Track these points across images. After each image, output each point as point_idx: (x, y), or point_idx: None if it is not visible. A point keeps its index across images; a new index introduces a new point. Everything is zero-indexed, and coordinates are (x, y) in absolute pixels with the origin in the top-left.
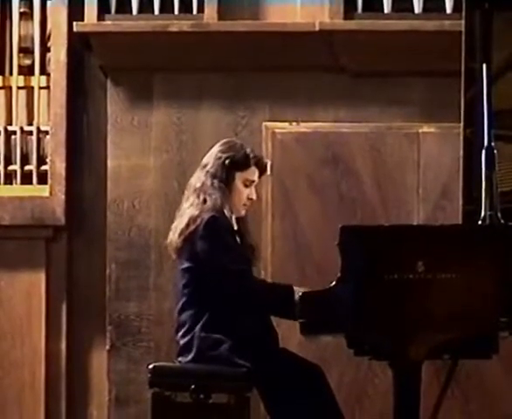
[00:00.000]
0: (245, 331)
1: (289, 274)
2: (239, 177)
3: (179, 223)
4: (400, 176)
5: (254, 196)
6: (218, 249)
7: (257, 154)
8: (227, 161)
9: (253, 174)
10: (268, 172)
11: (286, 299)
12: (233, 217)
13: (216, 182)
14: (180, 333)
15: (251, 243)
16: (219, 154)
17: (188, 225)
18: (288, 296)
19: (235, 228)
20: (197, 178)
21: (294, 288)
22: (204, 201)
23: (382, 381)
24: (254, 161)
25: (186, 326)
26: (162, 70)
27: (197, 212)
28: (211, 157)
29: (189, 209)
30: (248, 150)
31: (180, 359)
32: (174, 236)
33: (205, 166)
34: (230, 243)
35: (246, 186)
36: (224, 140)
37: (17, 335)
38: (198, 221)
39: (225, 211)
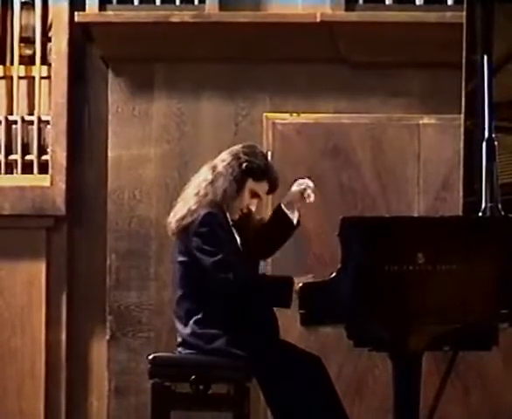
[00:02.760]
0: (244, 323)
1: (289, 265)
2: (249, 185)
3: (179, 209)
4: (401, 168)
5: (253, 209)
6: (211, 244)
7: (275, 171)
8: (244, 165)
9: (263, 188)
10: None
11: (283, 290)
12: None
13: (230, 179)
14: (178, 326)
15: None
16: (240, 155)
17: (184, 217)
18: (287, 287)
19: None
20: (212, 169)
21: (294, 278)
22: (205, 195)
23: (382, 372)
24: (270, 177)
25: (184, 320)
26: (164, 60)
27: (194, 206)
28: (231, 154)
29: (192, 198)
30: (269, 164)
31: (180, 349)
32: (172, 220)
33: (224, 160)
34: (223, 239)
35: (252, 196)
36: (249, 144)
37: (18, 325)
38: (195, 216)
39: (224, 207)
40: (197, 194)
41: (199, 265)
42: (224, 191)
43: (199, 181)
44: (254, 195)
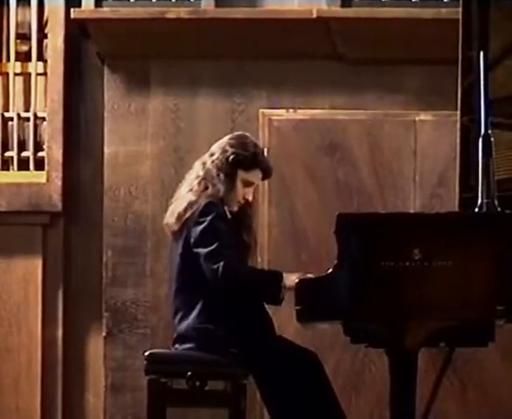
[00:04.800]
0: (241, 319)
1: (286, 261)
2: (240, 176)
3: (176, 207)
4: (397, 164)
5: (250, 198)
6: (209, 234)
7: (265, 158)
8: (231, 158)
9: (256, 176)
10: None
11: (272, 285)
12: (226, 209)
13: (221, 174)
14: (176, 320)
15: (247, 240)
16: (227, 148)
17: (186, 210)
18: (275, 281)
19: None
20: (202, 165)
21: (285, 274)
22: (206, 188)
23: (378, 368)
24: (260, 165)
25: (181, 313)
26: (160, 56)
27: (195, 198)
28: (219, 148)
29: (188, 194)
30: (258, 151)
31: (176, 346)
32: (171, 219)
33: (212, 155)
34: (222, 230)
35: (245, 185)
36: (238, 134)
37: (14, 321)
38: (195, 207)
39: (224, 202)
40: (191, 190)
41: (197, 259)
42: (223, 188)
43: (191, 178)
44: (248, 184)
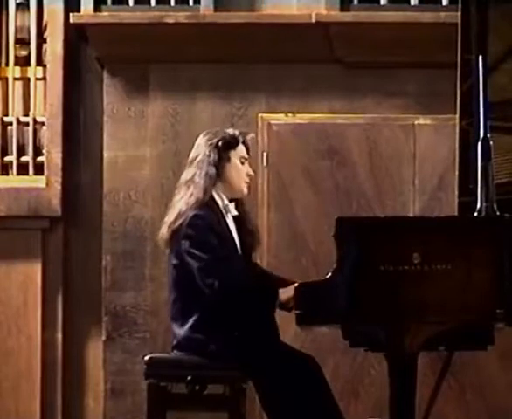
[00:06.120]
0: (239, 326)
1: (285, 265)
2: (235, 155)
3: (169, 218)
4: (396, 168)
5: (252, 172)
6: (198, 247)
7: (241, 131)
8: (220, 143)
9: (244, 151)
10: (250, 140)
11: (266, 301)
12: (232, 205)
13: (205, 167)
14: (174, 328)
15: (251, 228)
16: (209, 142)
17: (175, 220)
18: (270, 299)
19: (234, 213)
20: (188, 172)
21: (280, 290)
22: (190, 195)
23: (378, 372)
24: (242, 139)
25: (179, 322)
26: (159, 61)
27: (184, 208)
28: (201, 147)
29: (179, 203)
30: (231, 130)
31: (175, 351)
32: (163, 230)
33: (196, 158)
34: (211, 242)
35: (242, 163)
36: (205, 131)
37: (14, 325)
38: (183, 218)
39: (215, 197)
40: (182, 196)
41: (189, 268)
42: (204, 184)
43: (181, 185)
44: (243, 160)
